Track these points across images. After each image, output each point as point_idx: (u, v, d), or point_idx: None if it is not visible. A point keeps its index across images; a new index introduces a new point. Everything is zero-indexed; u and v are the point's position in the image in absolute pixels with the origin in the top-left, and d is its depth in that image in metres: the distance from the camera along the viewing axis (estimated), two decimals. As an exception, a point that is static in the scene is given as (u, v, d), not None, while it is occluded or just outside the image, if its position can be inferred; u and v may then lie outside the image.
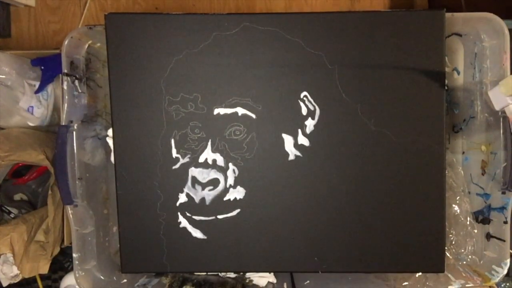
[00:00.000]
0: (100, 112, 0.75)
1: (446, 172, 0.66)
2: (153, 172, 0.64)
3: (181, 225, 0.65)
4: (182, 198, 0.65)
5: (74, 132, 0.67)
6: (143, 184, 0.64)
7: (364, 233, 0.64)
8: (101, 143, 0.75)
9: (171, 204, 0.65)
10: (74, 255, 0.66)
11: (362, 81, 0.63)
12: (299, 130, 0.64)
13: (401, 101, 0.63)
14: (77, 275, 0.66)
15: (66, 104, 0.66)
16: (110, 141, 0.70)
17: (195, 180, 0.64)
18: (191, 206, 0.65)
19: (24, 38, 0.93)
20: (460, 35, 0.72)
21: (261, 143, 0.63)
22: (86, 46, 0.70)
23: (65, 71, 0.66)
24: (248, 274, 0.72)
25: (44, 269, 0.77)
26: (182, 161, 0.64)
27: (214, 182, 0.64)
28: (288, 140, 0.64)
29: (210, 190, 0.65)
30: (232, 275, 0.72)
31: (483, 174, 0.69)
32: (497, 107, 0.61)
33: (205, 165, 0.64)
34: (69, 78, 0.66)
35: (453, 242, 0.72)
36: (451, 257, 0.72)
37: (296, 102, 0.63)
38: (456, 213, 0.72)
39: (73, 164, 0.67)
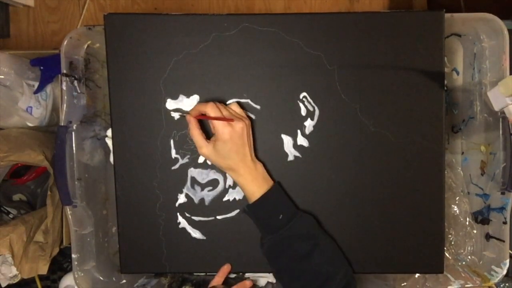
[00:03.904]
0: (99, 112, 0.75)
1: (446, 172, 0.66)
2: (152, 172, 0.64)
3: (180, 226, 0.65)
4: (181, 199, 0.65)
5: (73, 133, 0.67)
6: (142, 185, 0.64)
7: (364, 234, 0.64)
8: (100, 143, 0.75)
9: (170, 204, 0.65)
10: (73, 255, 0.66)
11: (361, 82, 0.63)
12: (298, 131, 0.64)
13: (401, 102, 0.63)
14: (76, 275, 0.66)
15: (65, 105, 0.66)
16: (109, 142, 0.70)
17: (194, 181, 0.64)
18: (191, 207, 0.65)
19: (23, 38, 0.93)
20: (460, 36, 0.72)
21: (260, 143, 0.63)
22: (85, 46, 0.70)
23: (64, 71, 0.66)
24: (247, 274, 0.72)
25: (43, 269, 0.77)
26: (181, 161, 0.64)
27: (213, 183, 0.64)
28: (287, 140, 0.64)
29: (209, 190, 0.65)
30: (231, 275, 0.72)
31: (482, 175, 0.69)
32: (496, 107, 0.61)
33: (205, 165, 0.64)
34: (68, 79, 0.66)
35: (453, 243, 0.72)
36: (450, 258, 0.72)
37: (295, 102, 0.63)
38: (456, 214, 0.72)
39: (72, 164, 0.67)
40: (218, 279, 0.64)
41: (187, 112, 0.60)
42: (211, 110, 0.56)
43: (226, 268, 0.65)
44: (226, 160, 0.58)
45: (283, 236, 0.59)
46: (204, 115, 0.58)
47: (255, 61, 0.62)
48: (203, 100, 0.63)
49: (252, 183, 0.59)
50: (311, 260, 0.57)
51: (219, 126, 0.56)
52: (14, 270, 0.77)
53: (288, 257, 0.58)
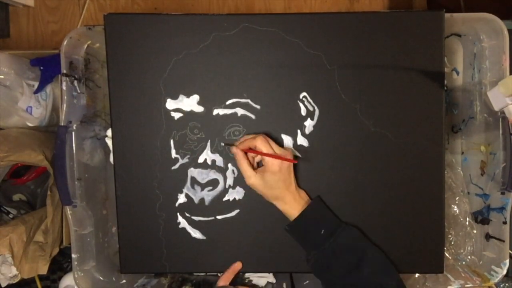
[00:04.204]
0: (99, 112, 0.75)
1: (446, 172, 0.66)
2: (152, 172, 0.64)
3: (180, 226, 0.65)
4: (181, 199, 0.65)
5: (73, 133, 0.67)
6: (142, 185, 0.64)
7: (363, 234, 0.64)
8: (100, 143, 0.75)
9: (170, 204, 0.65)
10: (73, 255, 0.66)
11: (361, 82, 0.63)
12: (298, 131, 0.64)
13: (401, 102, 0.63)
14: (76, 275, 0.66)
15: (65, 105, 0.66)
16: (109, 142, 0.70)
17: (194, 181, 0.64)
18: (190, 207, 0.65)
19: (23, 38, 0.93)
20: (459, 36, 0.72)
21: (261, 143, 0.63)
22: (85, 46, 0.70)
23: (64, 71, 0.66)
24: (247, 274, 0.72)
25: (43, 269, 0.77)
26: (181, 161, 0.64)
27: (213, 183, 0.64)
28: (287, 140, 0.64)
29: (209, 190, 0.64)
30: (231, 275, 0.72)
31: (482, 175, 0.69)
32: (496, 107, 0.61)
33: (205, 165, 0.64)
34: (68, 79, 0.66)
35: (452, 243, 0.72)
36: (450, 258, 0.72)
37: (295, 102, 0.63)
38: (456, 214, 0.72)
39: (72, 164, 0.67)
40: (228, 276, 0.64)
41: (232, 144, 0.61)
42: (261, 144, 0.57)
43: (237, 265, 0.65)
44: (274, 190, 0.59)
45: (327, 251, 0.58)
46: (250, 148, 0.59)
47: (255, 61, 0.62)
48: (203, 100, 0.63)
49: (296, 209, 0.60)
50: (361, 272, 0.57)
51: (269, 159, 0.57)
52: (14, 270, 0.77)
53: (336, 271, 0.58)
